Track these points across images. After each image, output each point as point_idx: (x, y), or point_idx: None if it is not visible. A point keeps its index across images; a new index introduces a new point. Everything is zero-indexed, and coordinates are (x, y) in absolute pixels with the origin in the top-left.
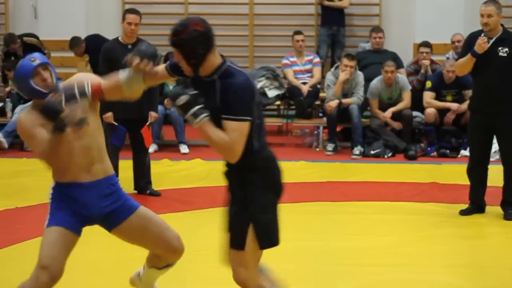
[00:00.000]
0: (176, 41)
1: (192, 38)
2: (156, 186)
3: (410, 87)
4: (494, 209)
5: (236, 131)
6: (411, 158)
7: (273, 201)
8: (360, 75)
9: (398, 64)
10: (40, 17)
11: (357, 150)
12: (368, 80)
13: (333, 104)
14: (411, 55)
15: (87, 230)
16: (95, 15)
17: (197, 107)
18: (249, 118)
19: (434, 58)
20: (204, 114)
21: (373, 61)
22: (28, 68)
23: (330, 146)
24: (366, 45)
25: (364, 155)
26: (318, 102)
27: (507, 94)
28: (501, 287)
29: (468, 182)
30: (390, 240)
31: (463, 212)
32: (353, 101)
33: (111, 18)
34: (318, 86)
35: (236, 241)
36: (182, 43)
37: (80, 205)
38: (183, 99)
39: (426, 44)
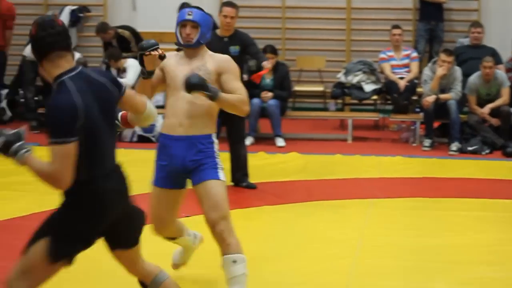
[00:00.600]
0: None
1: (32, 40)
2: (252, 179)
3: (509, 83)
4: None
5: (56, 156)
6: (510, 155)
7: (84, 231)
8: (458, 70)
9: (497, 59)
10: (138, 9)
11: (455, 146)
12: (466, 75)
13: (430, 99)
14: (510, 51)
15: None
16: None
17: (16, 144)
18: (69, 139)
19: None
20: (24, 150)
21: (472, 56)
22: (180, 17)
23: (427, 142)
24: (465, 40)
25: (462, 151)
26: (415, 97)
27: None
28: None
29: None
30: (487, 238)
31: None
32: (451, 96)
33: (210, 11)
34: (416, 81)
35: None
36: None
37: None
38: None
39: None
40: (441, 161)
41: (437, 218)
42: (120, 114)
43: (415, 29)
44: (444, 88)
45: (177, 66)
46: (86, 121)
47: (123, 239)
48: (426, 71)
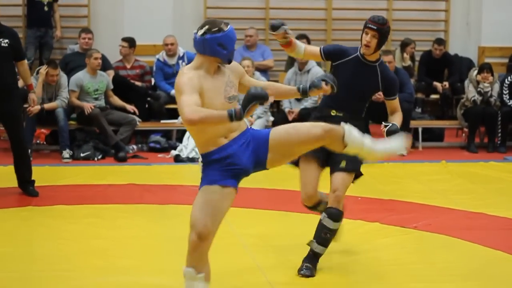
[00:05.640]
0: None
1: None
2: None
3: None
4: None
5: None
6: (121, 160)
7: None
8: (63, 77)
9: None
10: None
11: (66, 153)
12: None
13: (33, 109)
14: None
15: None
16: None
17: None
18: None
19: None
20: None
21: (80, 63)
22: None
23: None
24: (75, 47)
25: (74, 158)
26: (26, 105)
27: None
28: None
29: None
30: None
31: None
32: (57, 105)
33: None
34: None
35: None
36: None
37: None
38: None
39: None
40: (54, 169)
41: (48, 226)
42: None
43: (25, 36)
44: (51, 96)
45: None
46: None
47: None
48: (33, 80)
